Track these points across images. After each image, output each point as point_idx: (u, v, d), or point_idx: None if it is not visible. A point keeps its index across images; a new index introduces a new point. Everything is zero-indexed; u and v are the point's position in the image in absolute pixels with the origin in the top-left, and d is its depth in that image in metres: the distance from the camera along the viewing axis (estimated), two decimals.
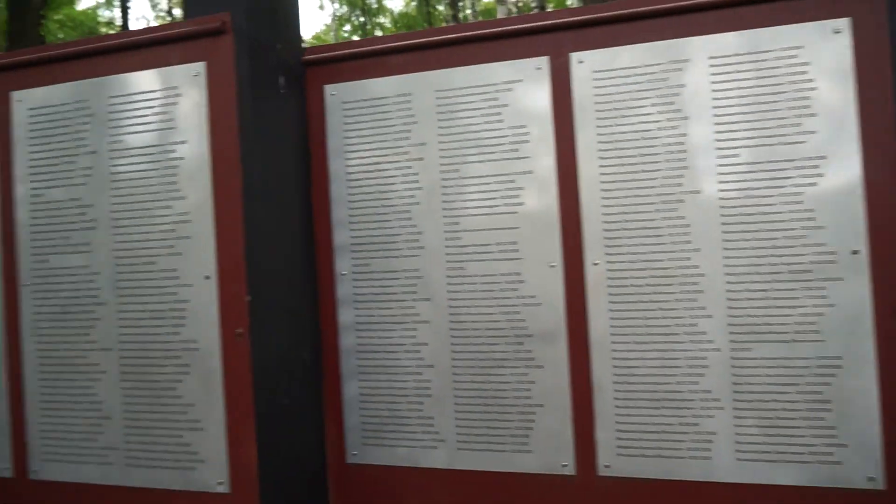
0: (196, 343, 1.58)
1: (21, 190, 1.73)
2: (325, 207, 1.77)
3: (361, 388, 1.76)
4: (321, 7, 27.20)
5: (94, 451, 1.66)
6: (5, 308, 1.75)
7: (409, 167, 1.70)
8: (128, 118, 1.63)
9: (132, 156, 1.63)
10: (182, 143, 1.59)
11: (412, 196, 1.70)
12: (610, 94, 1.55)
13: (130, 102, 1.63)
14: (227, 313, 1.56)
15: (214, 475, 1.57)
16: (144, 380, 1.62)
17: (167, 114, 1.60)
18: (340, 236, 1.76)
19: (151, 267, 1.61)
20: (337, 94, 1.76)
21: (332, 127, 1.77)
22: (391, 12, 19.71)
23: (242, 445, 1.55)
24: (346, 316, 1.76)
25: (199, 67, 1.57)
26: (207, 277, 1.57)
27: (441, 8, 17.23)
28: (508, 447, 1.64)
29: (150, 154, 1.61)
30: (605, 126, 1.56)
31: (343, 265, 1.76)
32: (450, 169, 1.67)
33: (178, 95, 1.59)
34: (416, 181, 1.70)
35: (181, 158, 1.59)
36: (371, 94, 1.75)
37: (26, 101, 1.74)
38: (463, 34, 1.69)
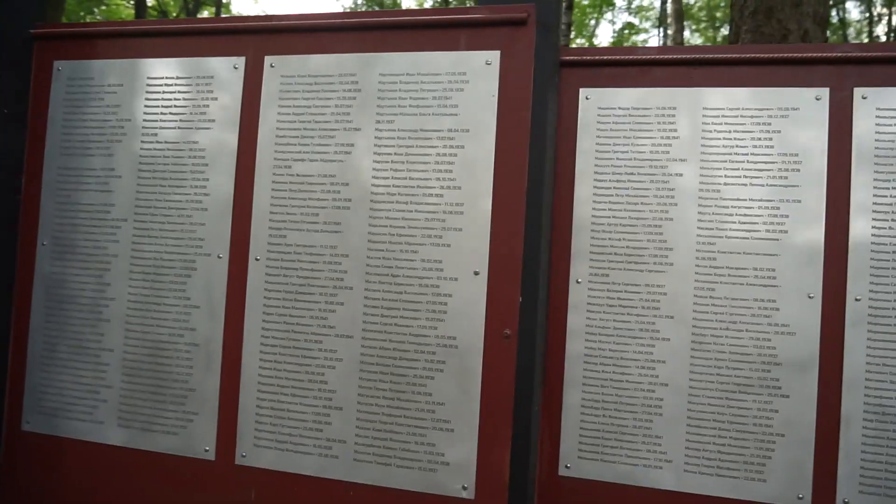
0: (455, 340, 1.51)
1: (264, 159, 1.64)
2: (568, 209, 1.72)
3: (584, 398, 1.71)
4: None
5: (319, 441, 1.57)
6: (231, 281, 1.64)
7: (666, 181, 1.68)
8: (404, 98, 1.57)
9: (402, 138, 1.56)
10: (464, 131, 1.53)
11: (665, 211, 1.68)
12: (893, 132, 1.57)
13: (412, 83, 1.57)
14: (494, 312, 1.50)
15: (459, 479, 1.50)
16: (389, 373, 1.54)
17: (450, 99, 1.54)
18: (581, 241, 1.72)
19: (412, 256, 1.54)
20: (591, 99, 1.73)
21: (583, 127, 1.73)
22: None
23: (496, 450, 1.49)
24: (575, 322, 1.72)
25: (493, 56, 1.52)
26: (477, 273, 1.51)
27: None
28: (742, 474, 1.62)
29: (427, 139, 1.55)
30: (884, 163, 1.57)
31: (579, 271, 1.72)
32: (710, 189, 1.66)
33: (465, 82, 1.53)
34: (672, 197, 1.68)
35: (461, 147, 1.53)
36: (618, 103, 1.72)
37: (279, 68, 1.65)
38: (752, 55, 1.68)
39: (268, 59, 1.67)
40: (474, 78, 1.53)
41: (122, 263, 1.73)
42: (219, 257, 1.66)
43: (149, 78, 1.75)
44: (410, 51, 1.57)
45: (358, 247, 1.57)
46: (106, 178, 1.76)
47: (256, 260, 1.64)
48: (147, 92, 1.75)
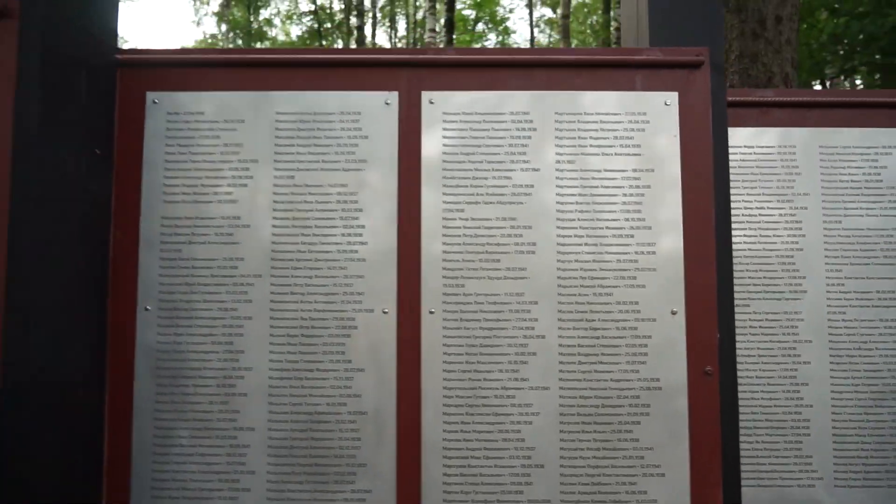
0: (659, 382, 1.48)
1: (431, 203, 1.51)
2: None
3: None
4: None
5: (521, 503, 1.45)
6: (401, 339, 1.48)
7: (793, 215, 1.80)
8: (584, 137, 1.53)
9: (586, 178, 1.52)
10: (649, 170, 1.52)
11: (795, 242, 1.79)
12: None
13: (592, 122, 1.53)
14: (694, 350, 1.49)
15: None
16: (591, 422, 1.47)
17: (632, 139, 1.53)
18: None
19: (607, 299, 1.50)
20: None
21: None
22: None
23: (708, 490, 1.47)
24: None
25: (671, 97, 1.54)
26: (674, 312, 1.50)
27: None
28: (885, 485, 1.75)
29: (612, 178, 1.52)
30: None
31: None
32: (832, 220, 1.80)
33: (646, 122, 1.53)
34: (800, 229, 1.79)
35: (647, 186, 1.52)
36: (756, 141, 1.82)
37: (439, 104, 1.54)
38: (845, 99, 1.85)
39: (425, 95, 1.55)
40: (655, 118, 1.54)
41: (259, 326, 1.49)
42: (384, 312, 1.49)
43: (278, 113, 1.55)
44: (584, 90, 1.55)
45: (548, 292, 1.49)
46: (230, 229, 1.52)
47: (430, 313, 1.50)
48: (277, 129, 1.55)
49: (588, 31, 16.67)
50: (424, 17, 18.33)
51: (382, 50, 1.70)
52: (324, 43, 18.36)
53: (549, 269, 1.50)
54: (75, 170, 1.43)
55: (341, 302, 1.50)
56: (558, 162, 1.54)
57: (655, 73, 1.55)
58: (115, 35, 1.60)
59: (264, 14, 20.38)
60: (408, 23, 20.07)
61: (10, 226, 1.27)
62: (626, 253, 1.51)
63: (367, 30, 18.65)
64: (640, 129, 1.54)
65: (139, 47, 1.53)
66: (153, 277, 1.52)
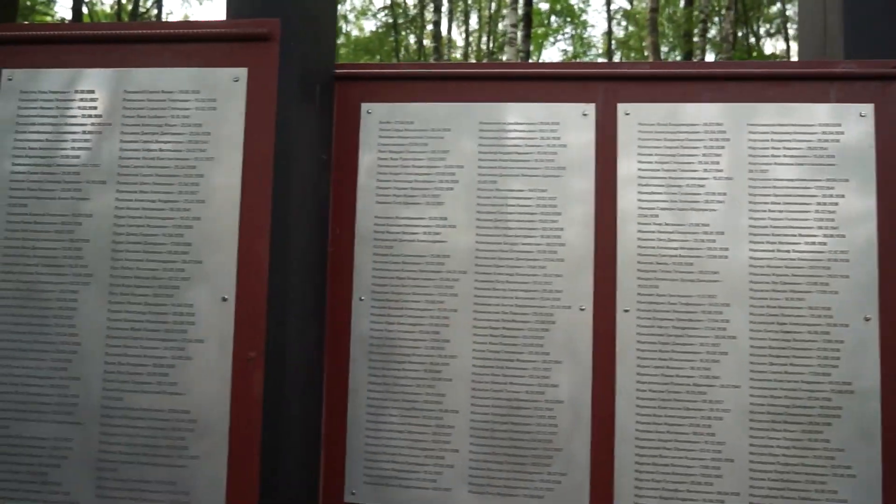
0: (850, 385, 1.53)
1: (626, 207, 1.61)
2: None
3: None
4: None
5: (709, 495, 1.53)
6: (597, 334, 1.59)
7: None
8: (778, 148, 1.59)
9: (778, 187, 1.58)
10: (843, 180, 1.57)
11: None
12: None
13: (785, 134, 1.59)
14: (888, 356, 1.53)
15: None
16: (781, 421, 1.54)
17: (826, 150, 1.58)
18: None
19: (799, 304, 1.55)
20: None
21: None
22: None
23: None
24: None
25: (867, 109, 1.58)
26: (868, 319, 1.54)
27: None
28: None
29: (805, 188, 1.58)
30: None
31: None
32: None
33: (840, 133, 1.58)
34: None
35: (841, 196, 1.57)
36: None
37: (634, 115, 1.63)
38: None
39: (621, 107, 1.65)
40: (849, 129, 1.58)
41: (464, 318, 1.63)
42: (581, 309, 1.60)
43: (482, 122, 1.68)
44: (776, 101, 1.61)
45: (740, 296, 1.57)
46: (437, 229, 1.67)
47: (625, 311, 1.60)
48: (481, 137, 1.68)
49: (667, 23, 16.28)
50: (498, 12, 18.33)
51: (580, 64, 1.80)
52: (401, 35, 18.65)
53: (741, 274, 1.57)
54: (309, 172, 1.61)
55: (540, 298, 1.62)
56: (751, 171, 1.60)
57: (849, 85, 1.59)
58: (333, 51, 1.77)
59: (339, 10, 20.86)
60: (480, 18, 20.14)
61: (273, 221, 1.45)
62: (818, 260, 1.56)
63: (443, 24, 18.85)
64: (835, 139, 1.58)
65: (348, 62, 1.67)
66: (367, 271, 1.68)
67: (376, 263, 1.68)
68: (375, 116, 1.72)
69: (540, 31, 18.04)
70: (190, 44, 1.52)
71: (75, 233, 1.50)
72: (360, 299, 1.68)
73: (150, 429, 1.44)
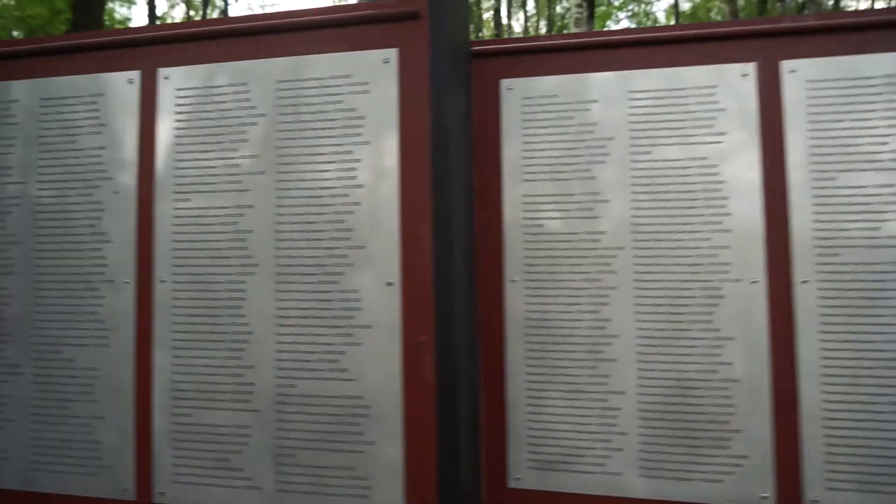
0: None
1: (798, 174, 1.50)
2: None
3: None
4: None
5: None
6: (772, 308, 1.49)
7: None
8: None
9: None
10: None
11: None
12: None
13: None
14: None
15: None
16: None
17: None
18: None
19: None
20: None
21: None
22: None
23: None
24: None
25: None
26: None
27: None
28: None
29: None
30: None
31: None
32: None
33: None
34: None
35: None
36: None
37: (802, 72, 1.51)
38: None
39: (785, 65, 1.53)
40: None
41: (624, 296, 1.57)
42: (752, 282, 1.51)
43: (631, 91, 1.61)
44: None
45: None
46: (590, 204, 1.60)
47: (803, 283, 1.49)
48: (631, 107, 1.61)
49: None
50: None
51: (738, 21, 1.69)
52: None
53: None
54: (457, 153, 1.58)
55: (707, 273, 1.53)
56: None
57: None
58: (468, 28, 1.73)
59: None
60: (537, 3, 19.77)
61: (434, 203, 1.43)
62: None
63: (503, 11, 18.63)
64: None
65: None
66: (518, 251, 1.64)
67: (527, 243, 1.64)
68: (517, 92, 1.67)
69: (601, 9, 17.55)
70: (336, 28, 1.51)
71: (238, 224, 1.53)
72: (513, 280, 1.64)
73: (325, 415, 1.46)
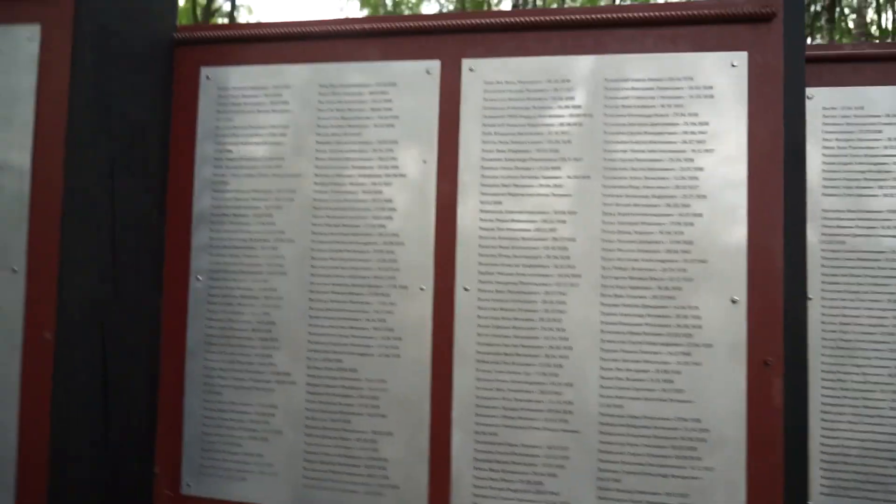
0: None
1: None
2: None
3: None
4: None
5: None
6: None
7: None
8: None
9: None
10: None
11: None
12: None
13: None
14: None
15: None
16: None
17: None
18: None
19: None
20: None
21: None
22: None
23: None
24: None
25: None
26: None
27: None
28: None
29: None
30: None
31: None
32: None
33: None
34: None
35: None
36: None
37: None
38: None
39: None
40: None
41: None
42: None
43: None
44: None
45: None
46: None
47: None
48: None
49: None
50: None
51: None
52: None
53: None
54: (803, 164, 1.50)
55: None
56: None
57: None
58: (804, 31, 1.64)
59: None
60: None
61: (786, 218, 1.35)
62: None
63: None
64: None
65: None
66: (816, 267, 1.57)
67: (824, 260, 1.57)
68: (817, 102, 1.60)
69: None
70: (674, 27, 1.41)
71: (558, 231, 1.43)
72: (810, 298, 1.57)
73: (655, 437, 1.37)
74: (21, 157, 1.39)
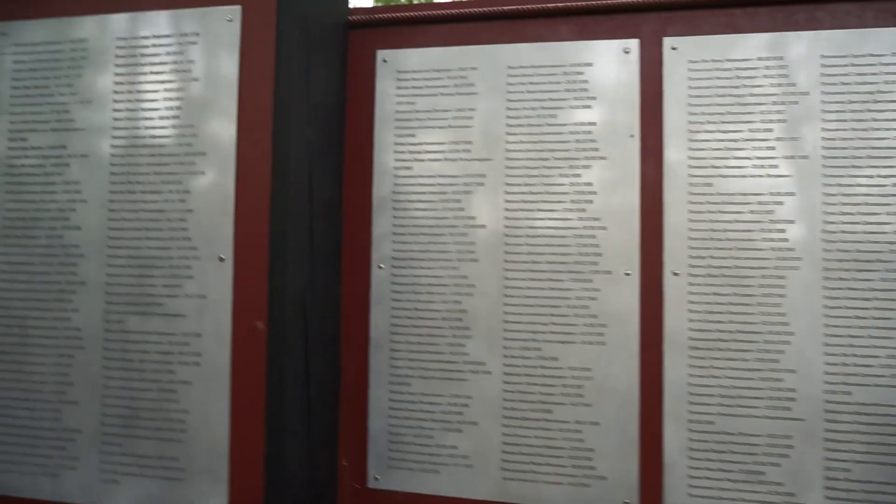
0: None
1: None
2: None
3: None
4: None
5: None
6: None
7: None
8: None
9: None
10: None
11: None
12: None
13: None
14: None
15: None
16: None
17: None
18: None
19: None
20: None
21: None
22: None
23: None
24: None
25: None
26: None
27: None
28: None
29: None
30: None
31: None
32: None
33: None
34: None
35: None
36: None
37: None
38: None
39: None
40: None
41: None
42: None
43: None
44: None
45: None
46: None
47: None
48: None
49: None
50: None
51: None
52: None
53: None
54: None
55: None
56: None
57: None
58: None
59: None
60: None
61: None
62: None
63: None
64: None
65: None
66: None
67: None
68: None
69: None
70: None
71: (775, 213, 1.38)
72: None
73: (888, 425, 1.32)
74: (226, 141, 1.36)
